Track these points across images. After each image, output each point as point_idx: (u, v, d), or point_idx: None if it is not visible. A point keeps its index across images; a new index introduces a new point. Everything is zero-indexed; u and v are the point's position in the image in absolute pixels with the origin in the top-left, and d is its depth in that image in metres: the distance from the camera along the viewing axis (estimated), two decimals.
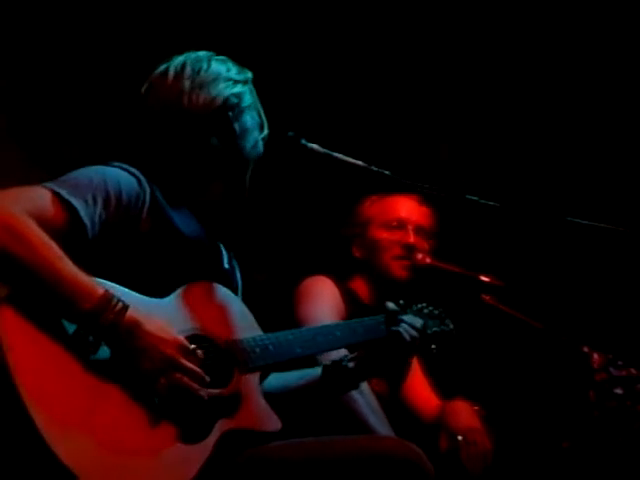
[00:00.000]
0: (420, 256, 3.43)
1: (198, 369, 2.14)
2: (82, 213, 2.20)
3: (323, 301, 3.34)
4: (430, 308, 2.74)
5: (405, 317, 2.61)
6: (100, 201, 2.24)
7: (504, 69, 4.42)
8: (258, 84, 2.63)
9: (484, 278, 3.34)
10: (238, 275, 2.58)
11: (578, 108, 4.35)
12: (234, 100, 2.51)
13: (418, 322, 2.62)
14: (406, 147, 4.43)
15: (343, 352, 2.64)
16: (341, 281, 3.47)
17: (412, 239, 3.47)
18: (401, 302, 2.68)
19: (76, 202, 2.20)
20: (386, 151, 4.09)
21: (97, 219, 2.23)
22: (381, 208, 3.56)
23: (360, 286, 3.53)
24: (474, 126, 4.51)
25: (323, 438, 2.32)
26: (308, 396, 2.58)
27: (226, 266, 2.54)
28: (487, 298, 3.33)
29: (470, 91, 4.48)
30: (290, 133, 2.56)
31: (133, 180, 2.34)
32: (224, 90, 2.50)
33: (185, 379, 2.12)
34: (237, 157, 2.53)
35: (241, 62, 2.62)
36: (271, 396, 2.34)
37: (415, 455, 2.23)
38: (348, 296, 3.43)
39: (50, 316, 2.07)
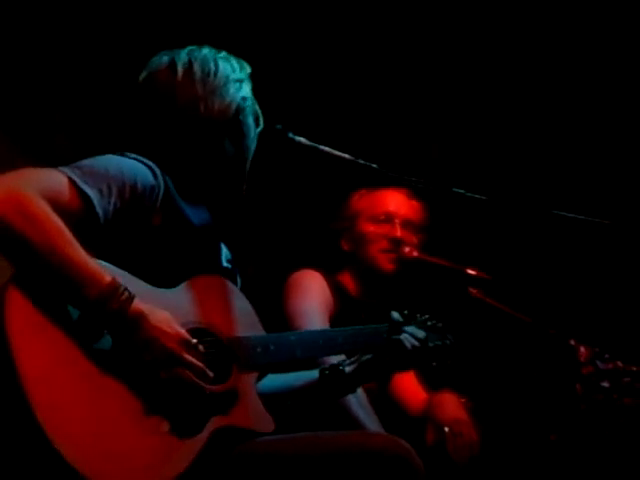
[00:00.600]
0: (407, 249, 3.44)
1: (200, 364, 2.14)
2: (96, 202, 2.19)
3: (312, 295, 3.34)
4: (433, 321, 2.74)
5: (408, 328, 2.62)
6: (115, 191, 2.23)
7: (491, 67, 4.43)
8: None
9: (471, 271, 3.34)
10: (238, 277, 2.57)
11: (563, 103, 4.36)
12: (243, 104, 2.52)
13: (420, 334, 2.62)
14: (395, 143, 4.43)
15: (342, 356, 2.65)
16: (330, 275, 3.48)
17: (399, 233, 3.48)
18: (405, 312, 2.69)
19: (90, 191, 2.18)
20: (375, 146, 4.10)
21: (111, 208, 2.22)
22: (369, 202, 3.56)
23: (349, 280, 3.53)
24: (462, 120, 4.51)
25: (312, 434, 2.32)
26: (304, 398, 2.58)
27: (225, 264, 2.53)
28: (474, 291, 3.33)
29: (459, 88, 4.48)
30: (278, 126, 2.56)
31: (148, 172, 2.33)
32: (235, 94, 2.50)
33: (186, 373, 2.12)
34: (243, 157, 2.55)
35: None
36: (267, 397, 2.34)
37: (404, 451, 2.23)
38: (337, 290, 3.44)
39: (55, 300, 2.06)
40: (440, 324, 2.76)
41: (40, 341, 2.01)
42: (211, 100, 2.47)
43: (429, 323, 2.73)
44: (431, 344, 2.68)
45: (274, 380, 2.51)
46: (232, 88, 2.50)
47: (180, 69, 2.49)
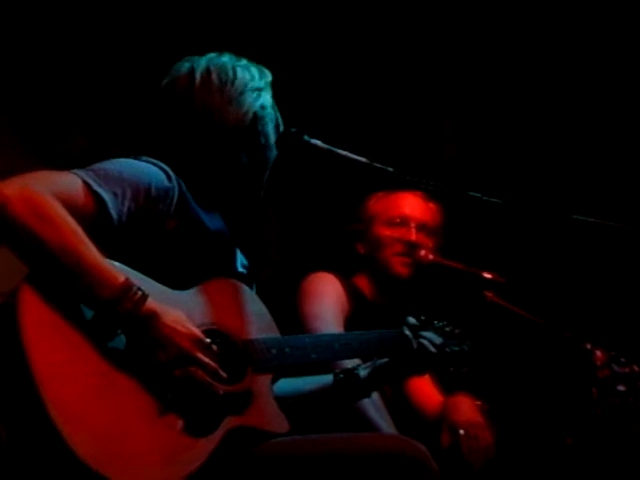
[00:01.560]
0: (423, 253, 3.43)
1: (213, 363, 2.14)
2: (110, 205, 2.20)
3: (327, 298, 3.34)
4: (451, 327, 2.74)
5: (425, 333, 2.63)
6: (129, 194, 2.25)
7: (509, 66, 4.42)
8: None
9: (487, 275, 3.34)
10: (253, 283, 2.57)
11: (583, 105, 4.35)
12: (261, 113, 2.53)
13: (438, 339, 2.63)
14: (409, 144, 4.43)
15: (356, 360, 2.65)
16: (345, 277, 3.48)
17: (414, 236, 3.48)
18: (422, 318, 2.69)
19: (105, 193, 2.20)
20: (390, 149, 4.10)
21: (125, 211, 2.24)
22: (385, 205, 3.56)
23: (364, 283, 3.53)
24: (478, 124, 4.50)
25: (327, 435, 2.32)
26: (319, 402, 2.58)
27: (240, 269, 2.53)
28: (490, 295, 3.32)
29: (475, 89, 4.48)
30: (293, 129, 2.57)
31: (163, 176, 2.35)
32: (253, 104, 2.52)
33: (200, 373, 2.12)
34: (260, 166, 2.56)
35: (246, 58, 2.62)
36: (281, 400, 2.34)
37: (420, 453, 2.23)
38: (352, 293, 3.44)
39: (69, 300, 2.07)
40: (457, 330, 2.76)
41: (54, 340, 2.02)
42: (227, 109, 2.49)
43: (447, 329, 2.73)
44: (448, 350, 2.68)
45: (288, 384, 2.51)
46: (249, 97, 2.51)
47: (198, 77, 2.51)
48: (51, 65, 4.08)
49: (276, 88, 2.64)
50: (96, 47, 4.09)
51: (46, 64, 4.08)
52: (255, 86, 2.53)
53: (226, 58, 2.56)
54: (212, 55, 2.57)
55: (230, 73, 2.52)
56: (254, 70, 2.57)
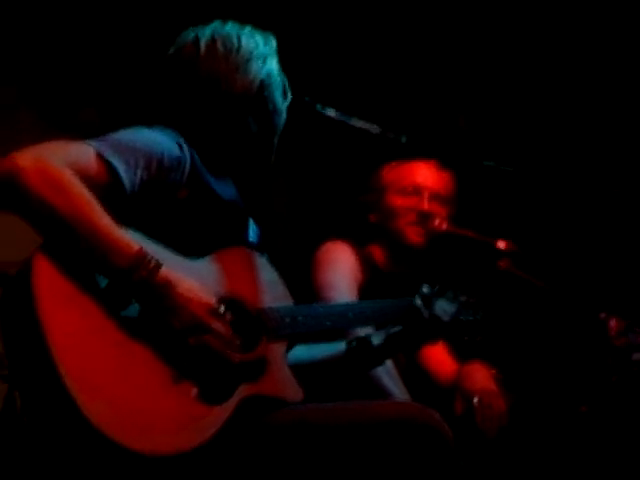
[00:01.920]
0: (437, 222, 3.43)
1: (227, 331, 2.15)
2: (122, 173, 2.20)
3: (340, 266, 3.34)
4: (465, 296, 2.73)
5: (439, 301, 2.62)
6: (142, 163, 2.25)
7: (520, 36, 4.39)
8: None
9: (501, 244, 3.33)
10: (266, 253, 2.57)
11: (596, 73, 4.32)
12: (268, 80, 2.53)
13: (451, 308, 2.63)
14: (422, 112, 4.41)
15: (370, 329, 2.65)
16: (359, 246, 3.47)
17: (426, 206, 3.46)
18: (436, 288, 2.68)
19: (117, 163, 2.20)
20: (402, 115, 4.08)
21: (137, 180, 2.24)
22: (397, 174, 3.55)
23: (378, 252, 3.53)
24: (490, 90, 4.48)
25: (341, 403, 2.32)
26: (333, 370, 2.59)
27: (252, 238, 2.53)
28: (504, 264, 3.32)
29: (485, 57, 4.45)
30: (306, 98, 2.56)
31: (175, 145, 2.35)
32: (259, 71, 2.51)
33: (213, 341, 2.13)
34: (269, 133, 2.56)
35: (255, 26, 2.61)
36: (295, 368, 2.35)
37: (434, 420, 2.23)
38: (365, 262, 3.43)
39: (83, 269, 2.08)
40: (471, 300, 2.75)
41: (68, 309, 2.03)
42: (233, 77, 2.48)
43: (461, 298, 2.72)
44: (462, 318, 2.68)
45: (302, 351, 2.51)
46: (255, 64, 2.50)
47: (203, 46, 2.50)
48: (62, 37, 4.08)
49: (289, 56, 2.63)
50: (105, 17, 4.08)
51: (56, 36, 4.08)
52: (260, 53, 2.53)
53: (230, 26, 2.56)
54: (216, 24, 2.56)
55: (235, 41, 2.51)
56: (259, 37, 2.56)
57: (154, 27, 4.01)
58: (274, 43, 2.59)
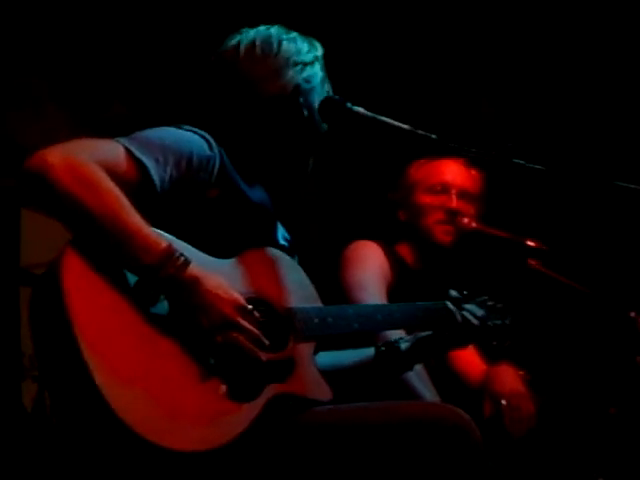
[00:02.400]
0: (466, 220, 3.41)
1: (256, 330, 2.14)
2: (152, 171, 2.21)
3: (370, 266, 3.33)
4: (493, 301, 2.73)
5: (467, 306, 2.62)
6: (171, 161, 2.25)
7: (548, 28, 4.36)
8: None
9: (530, 243, 3.32)
10: (295, 256, 2.56)
11: (628, 67, 4.29)
12: (305, 86, 2.52)
13: (479, 312, 2.63)
14: (449, 106, 4.40)
15: (398, 332, 2.64)
16: (387, 245, 3.46)
17: (455, 204, 3.45)
18: (465, 292, 2.68)
19: (147, 160, 2.20)
20: (430, 111, 4.07)
21: (167, 178, 2.24)
22: (426, 172, 3.54)
23: (406, 251, 3.52)
24: (515, 79, 4.46)
25: (370, 403, 2.31)
26: (361, 375, 2.59)
27: (281, 242, 2.53)
28: (533, 263, 3.31)
29: (512, 47, 4.43)
30: (335, 97, 2.55)
31: (204, 144, 2.35)
32: (294, 77, 2.51)
33: (241, 338, 2.12)
34: (303, 139, 2.56)
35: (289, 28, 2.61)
36: (323, 373, 2.34)
37: (463, 421, 2.22)
38: (395, 261, 3.42)
39: (113, 265, 2.08)
40: (499, 305, 2.74)
41: (97, 305, 2.03)
42: (268, 80, 2.48)
43: (489, 303, 2.72)
44: (490, 323, 2.67)
45: (329, 357, 2.50)
46: (292, 70, 2.50)
47: (243, 48, 2.51)
48: (94, 34, 4.10)
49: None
50: (139, 15, 4.09)
51: (89, 33, 4.10)
52: (300, 59, 2.52)
53: (274, 30, 2.57)
54: (262, 27, 2.57)
55: (275, 45, 2.52)
56: (302, 43, 2.56)
57: (188, 27, 4.02)
58: (319, 51, 2.59)
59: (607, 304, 3.28)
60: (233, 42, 2.54)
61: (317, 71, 2.56)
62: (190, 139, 2.34)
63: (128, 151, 2.20)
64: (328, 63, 2.62)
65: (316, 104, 2.52)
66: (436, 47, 4.48)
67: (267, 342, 2.17)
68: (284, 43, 2.53)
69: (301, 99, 2.51)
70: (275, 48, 2.51)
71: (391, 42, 4.44)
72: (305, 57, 2.54)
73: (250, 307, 2.17)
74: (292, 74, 2.50)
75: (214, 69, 2.54)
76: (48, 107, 4.12)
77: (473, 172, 3.53)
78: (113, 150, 2.19)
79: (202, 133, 2.37)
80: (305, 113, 2.52)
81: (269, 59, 2.50)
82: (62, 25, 4.04)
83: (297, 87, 2.50)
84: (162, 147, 2.25)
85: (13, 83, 4.05)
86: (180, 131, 2.36)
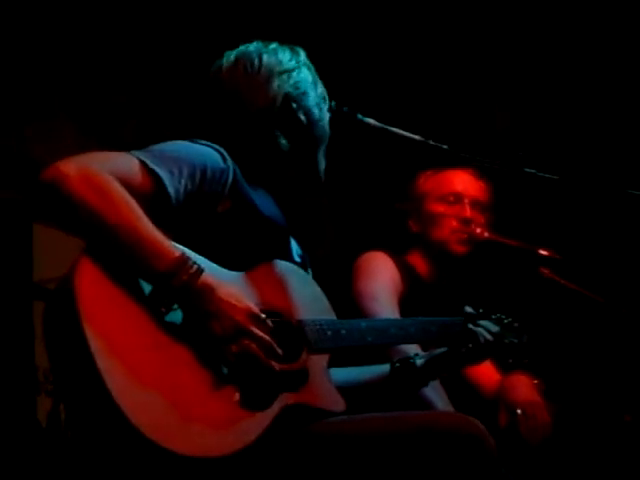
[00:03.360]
0: (479, 230, 3.41)
1: (269, 338, 2.15)
2: (167, 183, 2.21)
3: (381, 277, 3.33)
4: (509, 319, 2.73)
5: (482, 322, 2.62)
6: (186, 173, 2.26)
7: (560, 32, 4.36)
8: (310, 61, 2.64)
9: (543, 252, 3.32)
10: (309, 270, 2.57)
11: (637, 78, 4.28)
12: (294, 92, 2.53)
13: (494, 328, 2.63)
14: (461, 116, 4.40)
15: (413, 348, 2.64)
16: (398, 256, 3.46)
17: (468, 213, 3.45)
18: (480, 310, 2.68)
19: (161, 172, 2.21)
20: (441, 121, 4.07)
21: (182, 190, 2.25)
22: (437, 182, 3.54)
23: (418, 261, 3.51)
24: (531, 97, 4.46)
25: (384, 414, 2.31)
26: (375, 392, 2.58)
27: (295, 258, 2.53)
28: (546, 272, 3.30)
29: (525, 57, 4.43)
30: (345, 108, 2.55)
31: (218, 157, 2.36)
32: (282, 86, 2.52)
33: (254, 346, 2.12)
34: (307, 145, 2.56)
35: (292, 40, 2.63)
36: (337, 388, 2.33)
37: (478, 431, 2.21)
38: (406, 271, 3.42)
39: (127, 273, 2.09)
40: (516, 323, 2.74)
41: (110, 312, 2.03)
42: (255, 94, 2.50)
43: (505, 321, 2.72)
44: (507, 341, 2.67)
45: (343, 373, 2.51)
46: (278, 80, 2.52)
47: (225, 69, 2.54)
48: (105, 51, 4.12)
49: (326, 67, 2.63)
50: (149, 34, 4.12)
51: (99, 50, 4.12)
52: (284, 68, 2.54)
53: (253, 46, 2.59)
54: (241, 47, 2.60)
55: (255, 60, 2.53)
56: (283, 53, 2.57)
57: (197, 44, 4.04)
58: (303, 57, 2.60)
59: (620, 312, 3.27)
60: (216, 66, 2.57)
61: (304, 76, 2.57)
62: (204, 152, 2.35)
63: (143, 163, 2.21)
64: (339, 73, 2.63)
65: (314, 108, 2.54)
66: (449, 57, 4.48)
67: (280, 351, 2.17)
68: (264, 56, 2.55)
69: (294, 105, 2.52)
70: (257, 63, 2.53)
71: (404, 52, 4.45)
72: (288, 65, 2.55)
73: (263, 316, 2.17)
74: (279, 83, 2.51)
75: (204, 90, 2.57)
76: (62, 123, 4.15)
77: (482, 183, 3.54)
78: (127, 162, 2.20)
79: (216, 147, 2.38)
80: (302, 118, 2.53)
81: (252, 74, 2.52)
82: (74, 44, 4.06)
83: (287, 95, 2.51)
84: (176, 159, 2.26)
85: (28, 99, 4.07)
86: (194, 144, 2.37)
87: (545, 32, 4.40)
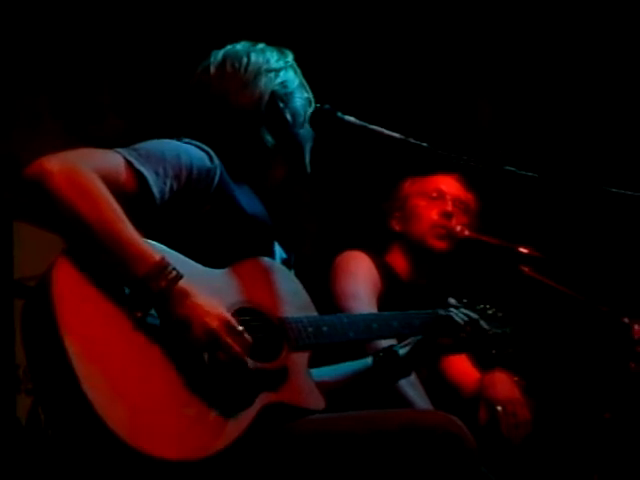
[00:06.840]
0: (459, 228, 3.42)
1: (242, 345, 2.14)
2: (152, 182, 2.21)
3: (360, 277, 3.33)
4: (493, 310, 2.73)
5: (462, 309, 2.63)
6: (171, 173, 2.26)
7: (542, 33, 4.37)
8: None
9: (523, 250, 3.33)
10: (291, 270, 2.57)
11: (620, 75, 4.29)
12: (281, 91, 2.54)
13: (474, 315, 2.63)
14: (443, 109, 4.41)
15: (391, 342, 2.65)
16: (377, 256, 3.47)
17: (450, 207, 3.46)
18: (464, 300, 2.68)
19: (146, 171, 2.21)
20: (423, 115, 4.07)
21: (167, 190, 2.25)
22: (421, 183, 3.56)
23: (397, 261, 3.52)
24: (514, 89, 4.47)
25: (363, 412, 2.31)
26: (359, 385, 2.58)
27: (279, 258, 2.54)
28: (526, 270, 3.31)
29: (508, 52, 4.44)
30: (326, 106, 2.56)
31: (205, 156, 2.36)
32: (268, 85, 2.53)
33: (224, 356, 2.12)
34: (293, 143, 2.57)
35: (274, 40, 2.64)
36: (321, 385, 2.34)
37: (457, 428, 2.21)
38: (384, 271, 3.42)
39: (106, 275, 2.09)
40: (500, 313, 2.74)
41: (87, 314, 2.03)
42: (242, 93, 2.51)
43: (489, 312, 2.72)
44: (491, 332, 2.67)
45: (325, 371, 2.51)
46: (264, 79, 2.53)
47: (213, 67, 2.55)
48: (90, 48, 4.11)
49: (305, 65, 2.64)
50: (135, 31, 4.11)
51: (85, 47, 4.11)
52: (271, 67, 2.55)
53: (240, 46, 2.60)
54: (229, 46, 2.61)
55: (243, 59, 2.55)
56: (270, 53, 2.59)
57: (182, 43, 4.03)
58: (290, 57, 2.62)
59: (600, 310, 3.29)
60: (204, 65, 2.58)
61: (291, 76, 2.59)
62: (190, 152, 2.35)
63: (128, 162, 2.20)
64: (320, 71, 2.63)
65: (300, 109, 2.54)
66: (430, 50, 4.48)
67: (251, 361, 2.15)
68: (252, 55, 2.56)
69: (281, 104, 2.53)
70: (244, 61, 2.54)
71: (385, 48, 4.45)
72: (276, 64, 2.57)
73: (240, 328, 2.15)
74: (265, 81, 2.53)
75: (190, 92, 2.57)
76: (47, 122, 4.14)
77: (468, 189, 3.55)
78: (113, 160, 2.20)
79: (202, 146, 2.38)
80: (289, 117, 2.54)
81: (240, 73, 2.53)
82: (59, 41, 4.05)
83: (274, 93, 2.53)
84: (162, 159, 2.26)
85: (13, 98, 4.06)
86: (180, 143, 2.37)
87: (527, 25, 4.41)
